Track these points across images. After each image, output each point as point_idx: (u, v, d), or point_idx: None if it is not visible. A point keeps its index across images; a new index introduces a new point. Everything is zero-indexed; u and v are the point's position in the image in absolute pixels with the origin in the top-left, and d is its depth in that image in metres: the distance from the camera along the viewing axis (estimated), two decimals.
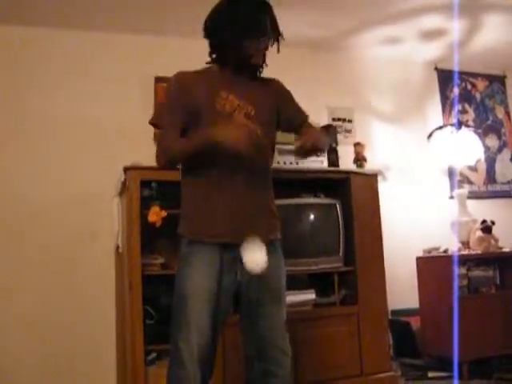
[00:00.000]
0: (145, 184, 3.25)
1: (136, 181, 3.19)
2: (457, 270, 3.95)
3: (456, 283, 3.91)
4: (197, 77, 2.19)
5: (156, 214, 3.20)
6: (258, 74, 2.27)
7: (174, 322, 2.11)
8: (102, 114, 3.90)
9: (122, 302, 3.38)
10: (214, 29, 2.18)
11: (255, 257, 2.11)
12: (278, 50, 2.21)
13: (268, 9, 2.18)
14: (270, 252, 2.18)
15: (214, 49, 2.21)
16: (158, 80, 4.00)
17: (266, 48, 2.18)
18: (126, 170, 3.21)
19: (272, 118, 2.27)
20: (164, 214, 3.19)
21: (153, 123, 2.38)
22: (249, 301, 2.20)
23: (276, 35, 2.20)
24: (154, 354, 3.15)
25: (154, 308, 3.25)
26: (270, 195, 2.30)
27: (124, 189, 3.31)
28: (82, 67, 3.92)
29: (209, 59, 2.22)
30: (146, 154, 3.61)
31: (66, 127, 3.82)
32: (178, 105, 2.16)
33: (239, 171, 2.14)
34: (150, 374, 3.09)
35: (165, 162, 2.17)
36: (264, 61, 2.23)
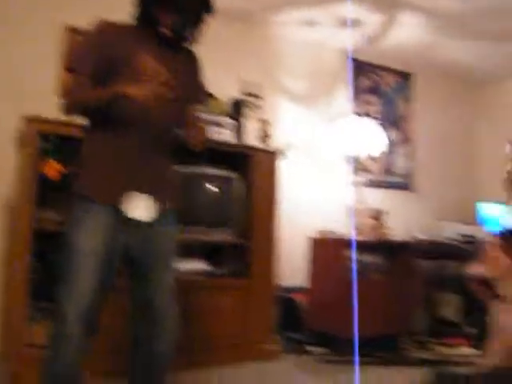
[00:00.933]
0: (44, 137, 3.14)
1: (34, 133, 3.09)
2: (349, 254, 4.11)
3: (354, 266, 4.06)
4: (120, 30, 2.16)
5: (53, 169, 3.13)
6: (180, 43, 2.25)
7: (61, 279, 2.09)
8: (4, 62, 3.72)
9: (10, 256, 3.28)
10: None
11: (139, 206, 2.11)
12: (206, 27, 2.21)
13: None
14: (163, 218, 2.20)
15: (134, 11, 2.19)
16: (69, 30, 3.85)
17: (181, 22, 2.14)
18: (25, 120, 3.10)
19: (186, 88, 2.28)
20: (61, 168, 3.12)
21: (67, 68, 2.29)
22: (139, 264, 2.21)
23: (198, 12, 2.17)
24: (39, 312, 3.09)
25: (43, 264, 3.18)
26: (171, 163, 2.30)
27: (22, 140, 3.19)
28: None
29: (131, 15, 2.19)
30: (48, 106, 3.51)
31: None
32: (95, 53, 2.11)
33: (141, 135, 2.13)
34: (34, 331, 3.02)
35: (69, 106, 2.11)
36: (179, 34, 2.19)
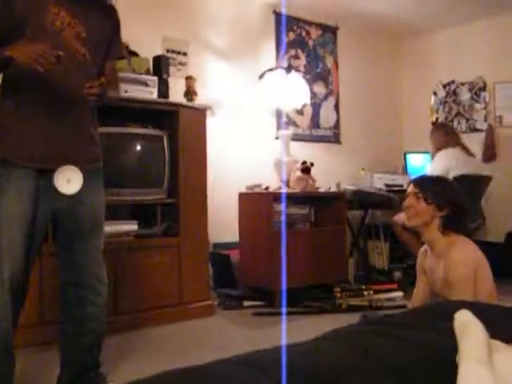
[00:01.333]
0: None
1: None
2: (276, 207, 4.17)
3: (283, 219, 4.13)
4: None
5: None
6: None
7: None
8: None
9: None
10: None
11: (69, 180, 2.06)
12: None
13: None
14: (88, 181, 2.14)
15: None
16: None
17: None
18: None
19: (103, 44, 2.20)
20: None
21: None
22: (66, 229, 2.16)
23: None
24: None
25: None
26: (91, 122, 2.23)
27: None
28: None
29: None
30: None
31: None
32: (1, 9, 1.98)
33: (55, 95, 2.06)
34: None
35: None
36: None
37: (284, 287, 3.90)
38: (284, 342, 1.19)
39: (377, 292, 4.19)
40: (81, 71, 2.10)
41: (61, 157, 2.08)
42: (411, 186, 2.57)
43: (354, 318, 2.77)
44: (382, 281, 4.67)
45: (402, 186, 4.94)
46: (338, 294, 4.11)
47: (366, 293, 4.15)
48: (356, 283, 4.60)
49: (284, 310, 3.87)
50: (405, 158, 5.71)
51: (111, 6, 2.28)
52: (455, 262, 2.37)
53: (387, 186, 5.08)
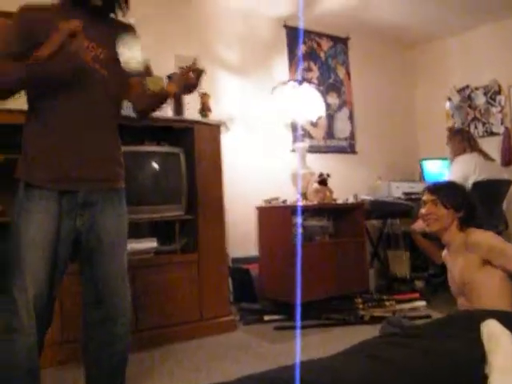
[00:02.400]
0: None
1: None
2: (295, 220, 4.16)
3: (299, 231, 4.12)
4: (44, 12, 2.08)
5: None
6: (111, 16, 2.21)
7: (10, 271, 2.02)
8: None
9: None
10: None
11: (132, 53, 2.09)
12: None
13: None
14: (110, 200, 2.16)
15: None
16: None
17: None
18: None
19: (120, 64, 2.22)
20: (0, 157, 3.02)
21: None
22: (89, 248, 2.17)
23: None
24: None
25: None
26: (116, 142, 2.25)
27: None
28: None
29: None
30: None
31: None
32: (21, 37, 2.02)
33: (79, 116, 2.08)
34: None
35: None
36: (109, 4, 2.15)
37: (299, 300, 3.88)
38: (298, 358, 1.18)
39: (399, 302, 4.15)
40: (102, 92, 2.13)
41: (85, 178, 2.10)
42: (427, 194, 2.65)
43: (377, 330, 2.75)
44: (404, 290, 4.63)
45: (419, 193, 4.89)
46: (360, 306, 4.08)
47: (388, 303, 4.11)
48: (378, 293, 4.56)
49: (304, 323, 3.85)
50: (421, 165, 5.68)
51: (129, 25, 2.30)
52: (479, 240, 2.46)
53: (405, 194, 5.05)
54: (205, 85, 4.44)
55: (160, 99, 2.34)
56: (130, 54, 2.13)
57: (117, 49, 2.17)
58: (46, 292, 2.05)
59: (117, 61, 2.18)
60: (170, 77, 3.74)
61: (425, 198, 2.64)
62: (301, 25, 5.17)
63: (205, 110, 3.98)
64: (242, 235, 4.35)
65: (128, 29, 2.30)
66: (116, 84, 2.19)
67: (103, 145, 2.17)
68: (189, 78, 2.22)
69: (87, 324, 2.25)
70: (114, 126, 2.25)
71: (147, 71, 2.35)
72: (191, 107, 3.96)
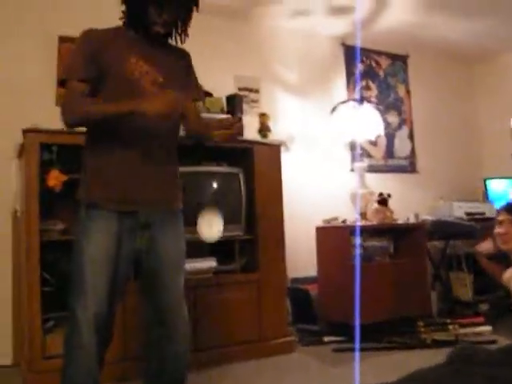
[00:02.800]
0: (45, 147, 3.16)
1: (35, 144, 3.09)
2: (354, 240, 4.12)
3: (357, 252, 4.07)
4: (107, 36, 2.15)
5: (55, 179, 3.13)
6: (169, 41, 2.26)
7: (72, 289, 2.08)
8: (1, 73, 3.70)
9: (19, 268, 3.29)
10: None
11: (211, 227, 2.12)
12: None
13: None
14: (169, 221, 2.19)
15: (124, 10, 2.18)
16: (62, 39, 3.85)
17: (174, 18, 2.15)
18: (25, 132, 3.10)
19: (179, 88, 2.27)
20: (64, 178, 3.13)
21: (61, 80, 2.21)
22: (148, 268, 2.20)
23: (190, 6, 2.18)
24: (51, 322, 3.10)
25: (52, 275, 3.18)
26: (175, 165, 2.29)
27: (23, 152, 3.19)
28: None
29: (121, 15, 2.19)
30: (48, 117, 3.51)
31: None
32: (85, 59, 2.09)
33: (147, 137, 2.12)
34: (48, 342, 3.04)
35: (72, 120, 2.10)
36: (169, 31, 2.20)
37: (358, 322, 3.81)
38: (358, 383, 1.15)
39: (463, 326, 4.03)
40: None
41: (144, 199, 2.14)
42: (503, 213, 2.67)
43: (439, 354, 2.67)
44: (468, 314, 4.48)
45: (483, 213, 4.77)
46: (422, 329, 3.97)
47: (451, 327, 3.99)
48: (440, 317, 4.44)
49: (364, 345, 3.77)
50: (485, 185, 5.52)
51: (184, 51, 2.35)
52: None
53: (468, 214, 4.92)
54: (263, 104, 4.52)
55: (202, 134, 2.36)
56: (209, 230, 2.18)
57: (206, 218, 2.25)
58: (106, 310, 2.08)
59: (174, 84, 2.21)
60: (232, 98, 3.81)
61: (501, 217, 2.65)
62: (359, 43, 5.14)
63: (264, 129, 4.01)
64: (300, 255, 4.33)
65: (185, 56, 2.36)
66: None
67: (162, 167, 2.21)
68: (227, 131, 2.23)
69: (148, 342, 2.27)
70: (173, 148, 2.29)
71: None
72: (250, 127, 4.00)
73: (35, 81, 3.75)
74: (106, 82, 2.10)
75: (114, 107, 2.03)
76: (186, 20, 2.20)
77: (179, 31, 2.22)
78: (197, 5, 2.20)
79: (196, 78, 2.39)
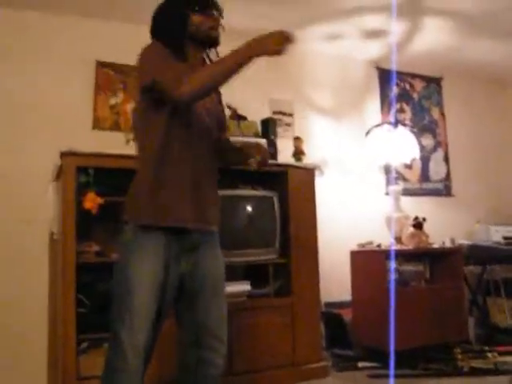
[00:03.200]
0: (82, 170, 3.20)
1: (72, 167, 3.14)
2: (389, 264, 4.07)
3: (392, 277, 4.03)
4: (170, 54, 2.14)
5: (92, 201, 3.16)
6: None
7: (116, 312, 2.05)
8: (41, 97, 3.80)
9: (55, 289, 3.33)
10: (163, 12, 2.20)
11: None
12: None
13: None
14: (211, 243, 2.20)
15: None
16: (100, 64, 3.94)
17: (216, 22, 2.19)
18: (63, 155, 3.16)
19: (217, 115, 2.30)
20: (100, 200, 3.17)
21: (150, 81, 2.00)
22: (190, 290, 2.18)
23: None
24: (85, 344, 3.12)
25: (87, 297, 3.21)
26: (217, 187, 2.30)
27: (60, 174, 3.25)
28: (21, 47, 3.80)
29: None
30: (85, 140, 3.59)
31: (2, 109, 3.71)
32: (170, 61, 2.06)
33: (192, 162, 2.13)
34: (82, 364, 3.06)
35: (194, 91, 1.96)
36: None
37: (393, 348, 3.75)
38: None
39: (502, 353, 3.93)
40: (208, 139, 2.20)
41: (198, 221, 2.14)
42: None
43: (477, 382, 2.60)
44: (507, 341, 4.38)
45: None
46: (459, 356, 3.89)
47: (490, 354, 3.90)
48: (477, 343, 4.35)
49: (399, 372, 3.71)
50: None
51: None
52: None
53: (505, 238, 4.83)
54: (297, 128, 4.54)
55: (240, 159, 2.37)
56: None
57: None
58: (152, 335, 2.07)
59: (217, 109, 2.25)
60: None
61: None
62: (393, 66, 5.14)
63: (298, 153, 4.02)
64: (335, 279, 4.30)
65: None
66: (216, 130, 2.27)
67: (212, 190, 2.23)
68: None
69: (183, 365, 2.26)
70: (216, 171, 2.30)
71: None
72: (285, 151, 4.02)
73: (73, 105, 3.84)
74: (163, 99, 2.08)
75: (235, 58, 1.96)
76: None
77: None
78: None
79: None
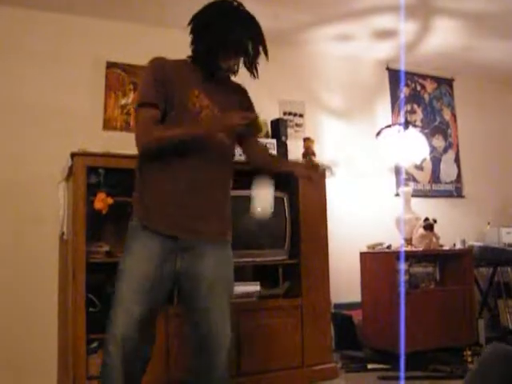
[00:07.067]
0: (92, 170, 3.22)
1: (82, 167, 3.16)
2: (399, 266, 4.06)
3: (402, 278, 4.02)
4: (174, 67, 2.20)
5: (102, 201, 3.18)
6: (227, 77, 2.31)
7: (112, 305, 2.11)
8: (51, 98, 3.82)
9: (65, 289, 3.34)
10: (198, 31, 2.20)
11: (263, 201, 2.17)
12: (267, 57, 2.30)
13: (254, 27, 2.27)
14: (213, 248, 2.20)
15: (193, 49, 2.23)
16: (110, 65, 3.96)
17: (238, 64, 2.23)
18: (73, 155, 3.17)
19: None
20: (110, 201, 3.18)
21: (139, 104, 2.19)
22: (186, 290, 2.21)
23: (256, 52, 2.25)
24: (95, 343, 3.12)
25: (97, 296, 3.23)
26: (227, 199, 2.32)
27: (71, 175, 3.26)
28: (31, 48, 3.81)
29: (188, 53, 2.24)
30: (95, 140, 3.60)
31: (13, 111, 3.72)
32: (158, 87, 2.13)
33: (198, 172, 2.15)
34: (91, 363, 3.07)
35: (147, 144, 2.12)
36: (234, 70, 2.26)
37: (403, 349, 3.74)
38: None
39: None
40: (219, 151, 2.21)
41: (195, 230, 2.15)
42: None
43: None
44: None
45: None
46: (469, 358, 3.88)
47: None
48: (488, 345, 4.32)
49: (409, 374, 3.69)
50: None
51: (240, 86, 2.40)
52: None
53: None
54: (308, 129, 4.53)
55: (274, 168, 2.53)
56: (261, 204, 2.23)
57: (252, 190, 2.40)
58: (137, 328, 2.07)
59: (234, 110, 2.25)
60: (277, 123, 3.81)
61: None
62: (403, 67, 5.12)
63: (308, 154, 4.01)
64: (344, 281, 4.29)
65: (241, 91, 2.41)
66: (230, 142, 2.28)
67: (210, 200, 2.21)
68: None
69: (192, 366, 2.27)
70: (227, 183, 2.32)
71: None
72: (295, 152, 4.01)
73: (83, 105, 3.86)
74: (169, 111, 2.14)
75: (185, 130, 2.08)
76: (253, 62, 2.25)
77: (247, 67, 2.25)
78: (266, 53, 2.28)
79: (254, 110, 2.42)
